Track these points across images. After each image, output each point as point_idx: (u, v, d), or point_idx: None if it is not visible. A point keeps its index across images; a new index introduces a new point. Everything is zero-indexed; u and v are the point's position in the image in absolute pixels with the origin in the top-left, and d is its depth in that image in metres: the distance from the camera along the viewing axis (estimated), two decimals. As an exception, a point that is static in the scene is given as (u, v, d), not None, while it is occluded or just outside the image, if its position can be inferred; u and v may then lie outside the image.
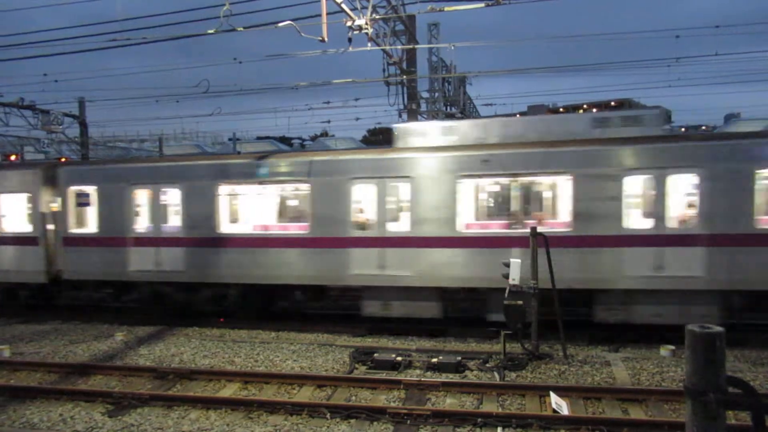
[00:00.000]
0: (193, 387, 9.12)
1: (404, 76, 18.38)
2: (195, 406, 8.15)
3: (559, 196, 11.69)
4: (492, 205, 12.44)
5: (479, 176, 11.77)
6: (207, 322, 13.47)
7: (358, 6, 11.96)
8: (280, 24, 11.62)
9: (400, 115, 20.15)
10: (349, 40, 12.19)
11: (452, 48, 18.72)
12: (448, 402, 8.20)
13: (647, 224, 11.03)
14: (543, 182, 11.95)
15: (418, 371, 9.59)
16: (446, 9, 12.60)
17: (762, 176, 10.50)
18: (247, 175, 12.98)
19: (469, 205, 12.03)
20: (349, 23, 11.77)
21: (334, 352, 10.79)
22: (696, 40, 17.25)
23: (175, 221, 13.57)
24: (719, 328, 2.98)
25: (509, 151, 11.58)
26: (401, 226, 12.21)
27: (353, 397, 8.47)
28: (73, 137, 26.44)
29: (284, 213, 13.48)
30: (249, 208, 13.49)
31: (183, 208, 13.38)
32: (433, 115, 24.35)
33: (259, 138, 48.47)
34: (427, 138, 12.41)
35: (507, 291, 9.89)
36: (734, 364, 9.51)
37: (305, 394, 8.65)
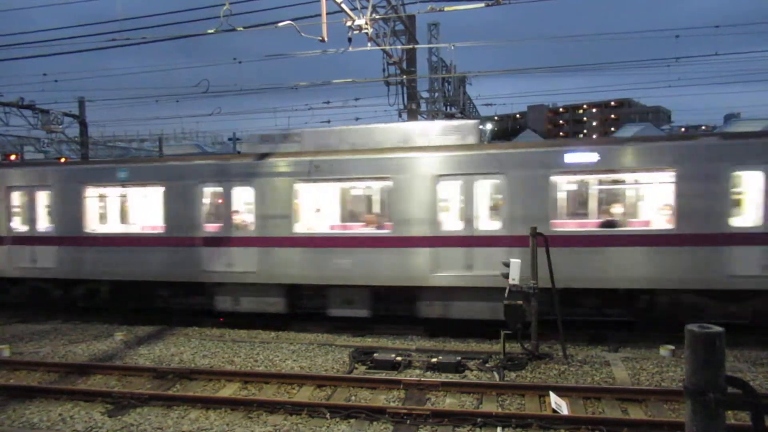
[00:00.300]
0: (193, 387, 9.12)
1: (404, 76, 18.38)
2: (195, 406, 8.15)
3: (381, 200, 12.65)
4: (327, 207, 13.26)
5: (313, 181, 12.51)
6: (207, 322, 13.47)
7: (358, 6, 11.96)
8: (280, 24, 11.62)
9: (400, 115, 20.15)
10: (349, 40, 12.18)
11: (452, 48, 18.75)
12: (448, 402, 8.20)
13: (459, 226, 11.79)
14: (365, 187, 12.96)
15: (417, 371, 9.59)
16: (446, 9, 12.60)
17: (552, 182, 11.28)
18: (111, 178, 13.90)
19: (306, 208, 12.97)
20: (349, 23, 11.76)
21: (333, 352, 10.79)
22: (696, 40, 17.30)
23: (49, 221, 14.42)
24: (719, 328, 2.98)
25: (336, 157, 12.38)
26: (247, 227, 12.99)
27: (353, 397, 8.47)
28: (73, 137, 26.46)
29: (143, 214, 14.27)
30: (113, 209, 14.67)
31: (55, 208, 14.26)
32: (433, 115, 24.37)
33: (259, 138, 48.37)
34: (272, 145, 13.18)
35: (507, 291, 9.90)
36: (734, 364, 9.50)
37: (305, 394, 8.65)
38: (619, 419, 7.27)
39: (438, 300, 11.95)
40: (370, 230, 12.43)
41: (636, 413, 7.60)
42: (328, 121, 34.82)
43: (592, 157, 11.17)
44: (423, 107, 23.49)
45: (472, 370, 9.53)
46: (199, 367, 10.00)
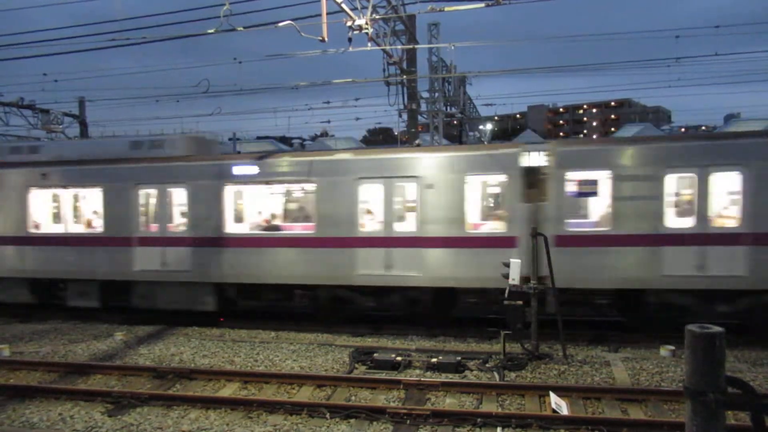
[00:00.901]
0: (193, 387, 9.12)
1: (404, 76, 18.37)
2: (194, 406, 8.15)
3: (96, 205, 14.32)
4: (57, 211, 14.90)
5: (46, 187, 14.51)
6: (207, 322, 13.48)
7: (358, 6, 11.95)
8: (280, 24, 11.61)
9: (400, 115, 20.14)
10: (349, 40, 12.18)
11: (452, 48, 18.71)
12: (448, 402, 8.20)
13: (155, 228, 13.72)
14: (83, 193, 14.64)
15: (417, 371, 9.59)
16: (446, 9, 12.60)
17: (226, 190, 13.10)
18: None
19: (41, 211, 14.81)
20: (349, 23, 11.76)
21: (333, 352, 10.79)
22: (696, 40, 17.26)
23: None
24: (719, 328, 2.98)
25: (57, 168, 14.26)
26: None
27: (353, 397, 8.47)
28: (73, 137, 26.40)
29: None
30: None
31: None
32: (434, 115, 24.36)
33: (259, 138, 48.46)
34: (19, 155, 14.89)
35: (507, 291, 9.90)
36: (734, 364, 9.51)
37: (305, 394, 8.65)
38: (619, 419, 7.27)
39: (147, 293, 13.77)
40: (89, 231, 14.27)
41: (636, 413, 7.60)
42: (328, 121, 34.88)
43: (253, 169, 12.91)
44: (423, 107, 23.48)
45: (472, 370, 9.53)
46: (199, 367, 10.00)
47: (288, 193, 13.57)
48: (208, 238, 13.09)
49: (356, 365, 9.94)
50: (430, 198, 11.89)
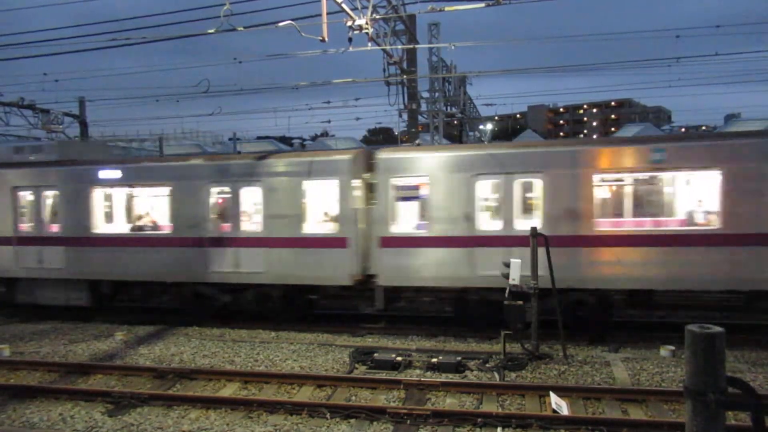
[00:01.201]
0: (193, 387, 9.13)
1: (404, 76, 18.38)
2: (195, 406, 8.15)
3: None
4: None
5: None
6: (207, 322, 13.48)
7: (359, 6, 11.94)
8: (280, 24, 11.60)
9: (400, 115, 20.17)
10: (350, 39, 12.17)
11: (452, 48, 18.71)
12: (448, 402, 8.20)
13: (32, 228, 14.69)
14: None
15: (418, 371, 9.59)
16: (446, 9, 12.59)
17: (93, 193, 14.01)
18: None
19: None
20: (349, 23, 11.75)
21: (334, 352, 10.79)
22: (696, 40, 17.29)
23: None
24: (719, 329, 2.99)
25: None
26: None
27: (353, 397, 8.47)
28: (73, 137, 26.39)
29: None
30: None
31: None
32: (434, 115, 24.36)
33: (259, 138, 48.50)
34: None
35: (507, 291, 9.90)
36: (734, 365, 9.51)
37: (305, 394, 8.65)
38: (619, 419, 7.27)
39: (28, 289, 14.68)
40: None
41: (636, 413, 7.60)
42: (329, 121, 34.93)
43: (117, 173, 13.92)
44: (423, 107, 23.48)
45: (472, 370, 9.53)
46: (200, 366, 10.00)
47: (148, 196, 14.49)
48: (79, 238, 14.03)
49: (356, 365, 9.94)
50: (273, 201, 12.69)
